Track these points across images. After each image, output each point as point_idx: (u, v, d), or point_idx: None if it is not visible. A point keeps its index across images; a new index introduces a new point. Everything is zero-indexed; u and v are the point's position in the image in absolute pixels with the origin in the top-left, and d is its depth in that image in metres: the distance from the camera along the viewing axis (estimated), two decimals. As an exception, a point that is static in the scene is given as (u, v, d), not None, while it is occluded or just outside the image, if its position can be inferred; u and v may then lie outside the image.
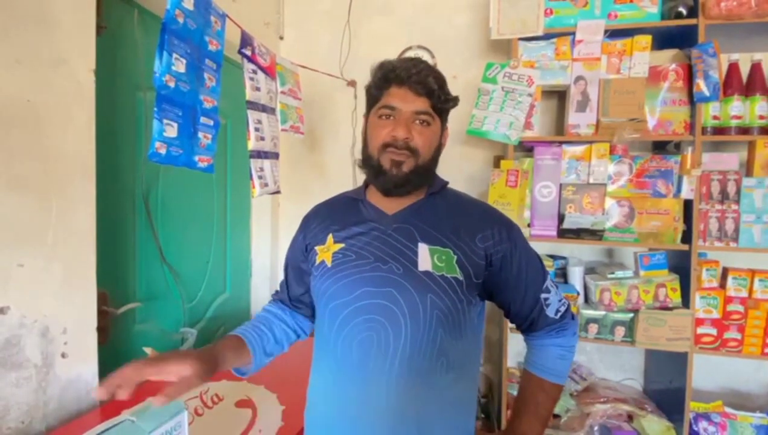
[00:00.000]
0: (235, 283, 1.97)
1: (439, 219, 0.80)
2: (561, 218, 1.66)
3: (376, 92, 0.79)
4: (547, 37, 1.67)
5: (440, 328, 0.73)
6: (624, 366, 1.92)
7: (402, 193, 0.80)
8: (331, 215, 0.86)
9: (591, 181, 1.65)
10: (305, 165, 2.22)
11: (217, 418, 1.11)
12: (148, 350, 1.26)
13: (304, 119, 1.81)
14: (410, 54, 2.01)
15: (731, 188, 1.57)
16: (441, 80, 0.79)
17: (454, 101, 0.81)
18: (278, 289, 0.97)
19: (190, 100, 1.14)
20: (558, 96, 1.91)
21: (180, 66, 1.08)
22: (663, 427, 1.60)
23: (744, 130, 1.58)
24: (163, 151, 1.05)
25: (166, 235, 1.49)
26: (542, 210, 1.68)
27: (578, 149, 1.66)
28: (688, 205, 1.60)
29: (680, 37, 1.62)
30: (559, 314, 0.84)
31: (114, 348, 1.29)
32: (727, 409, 1.62)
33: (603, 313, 1.67)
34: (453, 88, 0.81)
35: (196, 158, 1.18)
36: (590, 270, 1.82)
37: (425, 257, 0.75)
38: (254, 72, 1.45)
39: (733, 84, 1.58)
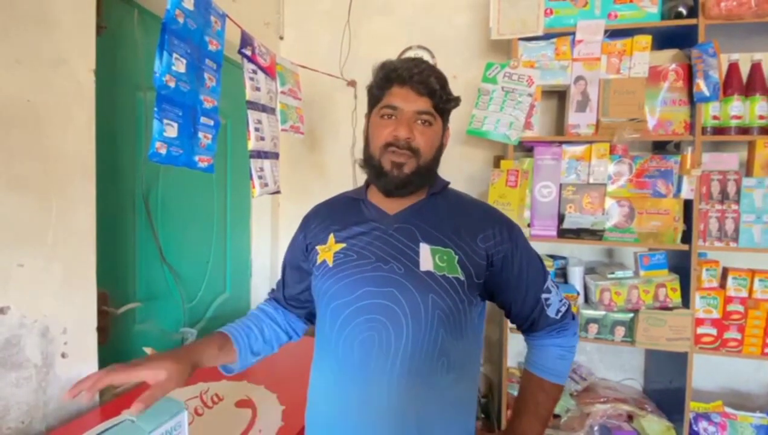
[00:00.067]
0: (235, 283, 1.97)
1: (441, 219, 0.80)
2: (561, 218, 1.66)
3: (377, 92, 0.79)
4: (547, 37, 1.67)
5: (441, 329, 0.73)
6: (624, 366, 1.92)
7: (403, 194, 0.80)
8: (332, 215, 0.86)
9: (591, 181, 1.65)
10: (305, 165, 2.22)
11: (217, 418, 1.11)
12: (148, 350, 1.26)
13: (304, 119, 1.81)
14: (410, 54, 2.01)
15: (731, 188, 1.57)
16: (443, 80, 0.79)
17: (456, 101, 0.81)
18: (274, 287, 0.97)
19: (190, 100, 1.14)
20: (558, 96, 1.91)
21: (180, 66, 1.08)
22: (663, 427, 1.60)
23: (744, 130, 1.58)
24: (163, 151, 1.05)
25: (166, 235, 1.49)
26: (542, 210, 1.68)
27: (578, 149, 1.66)
28: (688, 205, 1.60)
29: (680, 37, 1.62)
30: (559, 314, 0.84)
31: (114, 348, 1.29)
32: (727, 409, 1.61)
33: (603, 313, 1.67)
34: (453, 88, 0.81)
35: (196, 158, 1.18)
36: (590, 270, 1.82)
37: (427, 257, 0.75)
38: (254, 72, 1.45)
39: (733, 84, 1.58)
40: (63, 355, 1.03)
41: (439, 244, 0.76)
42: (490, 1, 1.70)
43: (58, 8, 1.00)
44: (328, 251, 0.81)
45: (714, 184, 1.59)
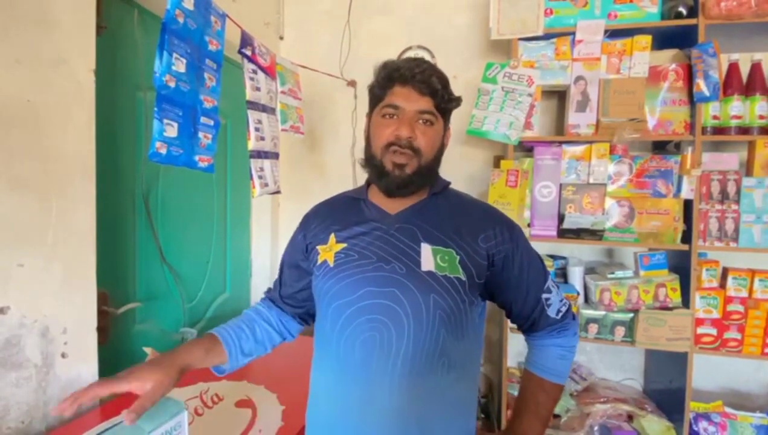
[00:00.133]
0: (235, 283, 1.97)
1: (442, 219, 0.80)
2: (561, 218, 1.66)
3: (379, 91, 0.79)
4: (547, 37, 1.67)
5: (443, 328, 0.73)
6: (624, 366, 1.92)
7: (405, 194, 0.80)
8: (332, 215, 0.86)
9: (591, 181, 1.65)
10: (305, 165, 2.22)
11: (217, 418, 1.11)
12: (148, 350, 1.26)
13: (304, 119, 1.81)
14: (410, 54, 2.01)
15: (731, 188, 1.58)
16: (444, 80, 0.79)
17: (457, 101, 0.81)
18: (271, 287, 0.97)
19: (190, 100, 1.14)
20: (558, 96, 1.91)
21: (180, 66, 1.08)
22: (663, 427, 1.60)
23: (744, 130, 1.59)
24: (163, 151, 1.05)
25: (166, 235, 1.49)
26: (542, 210, 1.68)
27: (578, 149, 1.66)
28: (688, 205, 1.60)
29: (680, 37, 1.62)
30: (560, 314, 0.84)
31: (114, 348, 1.29)
32: (727, 409, 1.62)
33: (603, 313, 1.67)
34: (453, 88, 0.81)
35: (197, 158, 1.18)
36: (590, 270, 1.82)
37: (428, 257, 0.75)
38: (254, 72, 1.45)
39: (733, 84, 1.58)
40: (63, 355, 1.03)
41: (440, 244, 0.76)
42: (490, 1, 1.70)
43: (58, 8, 1.00)
44: (329, 251, 0.81)
45: (714, 184, 1.59)
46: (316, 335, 0.84)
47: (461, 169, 2.00)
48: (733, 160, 1.62)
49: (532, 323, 0.84)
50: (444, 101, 0.78)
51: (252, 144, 1.43)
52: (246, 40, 1.41)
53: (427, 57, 1.99)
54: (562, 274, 1.83)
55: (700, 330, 1.61)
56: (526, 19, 1.66)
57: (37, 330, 0.97)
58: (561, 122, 1.87)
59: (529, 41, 1.69)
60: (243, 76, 1.41)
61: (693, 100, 1.57)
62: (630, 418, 1.68)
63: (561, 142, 1.69)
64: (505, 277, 0.80)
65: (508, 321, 0.91)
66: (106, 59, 1.18)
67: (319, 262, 0.81)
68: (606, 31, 1.62)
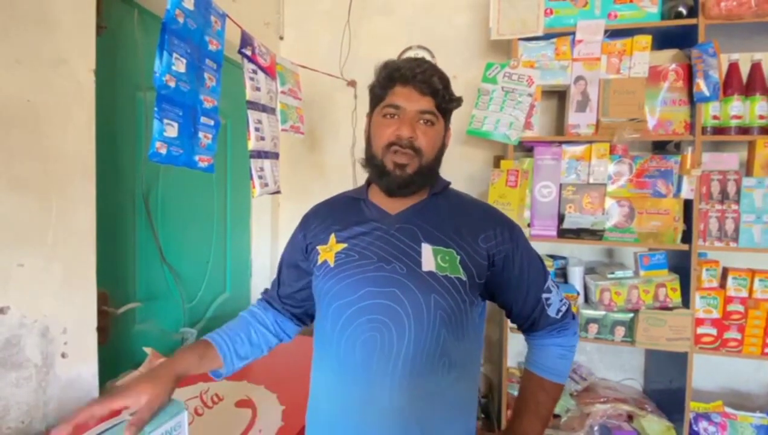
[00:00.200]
0: (235, 283, 1.97)
1: (442, 219, 0.80)
2: (561, 218, 1.66)
3: (380, 91, 0.79)
4: (547, 37, 1.67)
5: (443, 329, 0.73)
6: (624, 366, 1.92)
7: (406, 194, 0.80)
8: (332, 215, 0.86)
9: (591, 181, 1.65)
10: (305, 165, 2.22)
11: (217, 418, 1.11)
12: (148, 350, 1.27)
13: (304, 119, 1.81)
14: (410, 54, 2.01)
15: (731, 188, 1.58)
16: (445, 80, 0.79)
17: (458, 102, 0.81)
18: (268, 287, 0.97)
19: (190, 99, 1.14)
20: (558, 96, 1.91)
21: (180, 66, 1.08)
22: (663, 427, 1.60)
23: (744, 130, 1.59)
24: (163, 151, 1.05)
25: (166, 235, 1.49)
26: (542, 210, 1.68)
27: (578, 149, 1.66)
28: (688, 205, 1.60)
29: (680, 37, 1.62)
30: (560, 314, 0.84)
31: (114, 348, 1.29)
32: (727, 409, 1.62)
33: (603, 313, 1.67)
34: (453, 88, 0.81)
35: (197, 158, 1.18)
36: (590, 270, 1.82)
37: (429, 257, 0.75)
38: (254, 72, 1.45)
39: (733, 84, 1.58)
40: (63, 355, 1.03)
41: (440, 245, 0.76)
42: (490, 1, 1.70)
43: (58, 8, 0.99)
44: (329, 251, 0.81)
45: (714, 184, 1.59)
46: (316, 336, 0.84)
47: (461, 169, 2.00)
48: (733, 160, 1.62)
49: (532, 323, 0.84)
50: (445, 101, 0.78)
51: (252, 144, 1.43)
52: (246, 40, 1.41)
53: (427, 57, 1.99)
54: (562, 274, 1.83)
55: (700, 330, 1.61)
56: (526, 19, 1.66)
57: (37, 330, 0.97)
58: (561, 122, 1.87)
59: (529, 41, 1.69)
60: (243, 76, 1.41)
61: (693, 100, 1.57)
62: (630, 418, 1.68)
63: (561, 142, 1.69)
64: (505, 277, 0.80)
65: (508, 321, 0.91)
66: (106, 59, 1.18)
67: (320, 262, 0.81)
68: (606, 31, 1.62)
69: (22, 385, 0.94)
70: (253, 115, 1.42)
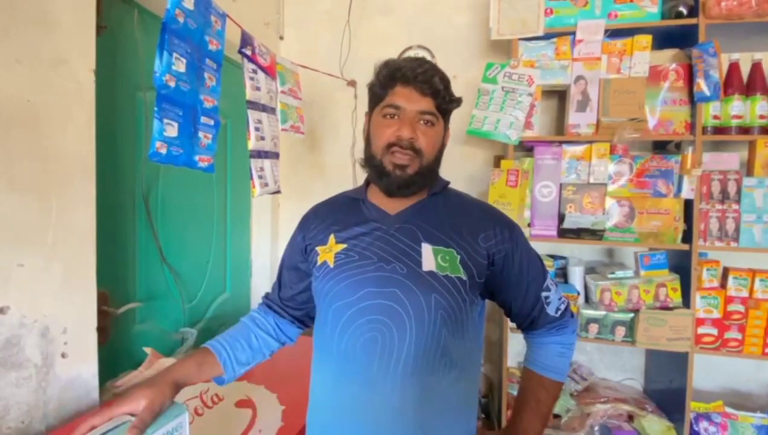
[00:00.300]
0: (235, 283, 1.97)
1: (442, 219, 0.80)
2: (561, 218, 1.66)
3: (380, 91, 0.79)
4: (547, 36, 1.67)
5: (444, 328, 0.73)
6: (624, 366, 1.92)
7: (406, 194, 0.80)
8: (332, 215, 0.86)
9: (591, 180, 1.65)
10: (305, 165, 2.22)
11: (217, 418, 1.11)
12: (148, 350, 1.27)
13: (304, 119, 1.81)
14: (410, 54, 2.01)
15: (732, 188, 1.57)
16: (446, 81, 0.79)
17: (458, 102, 0.81)
18: (269, 291, 0.96)
19: (190, 99, 1.14)
20: (558, 96, 1.90)
21: (180, 66, 1.08)
22: (663, 427, 1.60)
23: (744, 130, 1.58)
24: (163, 151, 1.05)
25: (166, 235, 1.49)
26: (542, 210, 1.68)
27: (578, 149, 1.66)
28: (688, 204, 1.60)
29: (680, 36, 1.62)
30: (559, 312, 0.84)
31: (114, 348, 1.29)
32: (728, 409, 1.61)
33: (603, 313, 1.66)
34: (453, 88, 0.81)
35: (197, 158, 1.18)
36: (590, 270, 1.82)
37: (429, 257, 0.75)
38: (254, 72, 1.45)
39: (733, 83, 1.58)
40: (63, 355, 1.03)
41: (441, 244, 0.76)
42: (490, 1, 1.70)
43: (58, 8, 1.00)
44: (328, 252, 0.80)
45: (714, 184, 1.59)
46: (316, 337, 0.83)
47: (461, 169, 2.00)
48: (733, 160, 1.62)
49: (531, 321, 0.84)
50: (445, 102, 0.78)
51: (252, 144, 1.42)
52: (246, 40, 1.41)
53: (427, 57, 1.99)
54: (563, 274, 1.82)
55: (700, 330, 1.60)
56: (526, 19, 1.66)
57: (37, 330, 0.97)
58: (561, 122, 1.87)
59: (530, 41, 1.69)
60: (243, 76, 1.41)
61: (693, 99, 1.57)
62: (630, 418, 1.68)
63: (561, 142, 1.69)
64: (505, 276, 0.80)
65: (508, 321, 0.91)
66: (106, 59, 1.18)
67: (319, 262, 0.81)
68: (606, 31, 1.62)
69: (22, 385, 0.94)
70: (253, 115, 1.42)
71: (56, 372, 1.01)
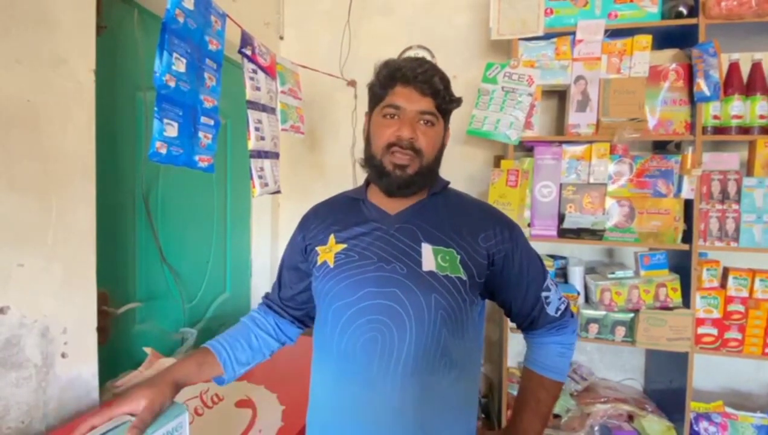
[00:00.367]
0: (235, 283, 1.97)
1: (442, 219, 0.80)
2: (561, 218, 1.66)
3: (380, 91, 0.79)
4: (547, 36, 1.67)
5: (444, 328, 0.73)
6: (624, 366, 1.92)
7: (406, 194, 0.80)
8: (332, 215, 0.86)
9: (591, 180, 1.65)
10: (305, 165, 2.22)
11: (217, 418, 1.11)
12: (148, 350, 1.27)
13: (304, 119, 1.81)
14: (410, 54, 2.01)
15: (732, 188, 1.57)
16: (446, 81, 0.79)
17: (458, 102, 0.81)
18: (269, 291, 0.96)
19: (190, 99, 1.14)
20: (558, 96, 1.90)
21: (180, 66, 1.08)
22: (663, 427, 1.60)
23: (744, 130, 1.58)
24: (163, 151, 1.05)
25: (166, 235, 1.49)
26: (542, 210, 1.68)
27: (578, 149, 1.66)
28: (688, 204, 1.60)
29: (680, 36, 1.62)
30: (559, 312, 0.84)
31: (114, 348, 1.29)
32: (728, 409, 1.61)
33: (603, 313, 1.66)
34: (453, 88, 0.81)
35: (197, 158, 1.18)
36: (590, 270, 1.82)
37: (429, 257, 0.75)
38: (254, 72, 1.45)
39: (733, 83, 1.58)
40: (63, 355, 1.03)
41: (441, 244, 0.76)
42: (490, 1, 1.70)
43: (58, 8, 1.00)
44: (328, 252, 0.80)
45: (714, 184, 1.59)
46: (316, 337, 0.83)
47: (461, 169, 2.00)
48: (733, 160, 1.62)
49: (531, 321, 0.84)
50: (445, 102, 0.78)
51: (252, 144, 1.42)
52: (246, 40, 1.41)
53: (427, 57, 1.99)
54: (563, 274, 1.82)
55: (700, 330, 1.60)
56: (526, 19, 1.66)
57: (37, 330, 0.97)
58: (561, 122, 1.87)
59: (530, 41, 1.69)
60: (243, 76, 1.41)
61: (693, 99, 1.57)
62: (630, 418, 1.68)
63: (561, 142, 1.69)
64: (505, 276, 0.80)
65: (508, 321, 0.91)
66: (106, 59, 1.18)
67: (319, 263, 0.81)
68: (606, 31, 1.62)
69: (22, 385, 0.94)
70: (253, 115, 1.42)
71: (56, 372, 1.01)
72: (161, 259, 1.46)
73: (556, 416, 1.69)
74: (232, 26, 1.34)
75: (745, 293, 1.59)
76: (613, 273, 1.68)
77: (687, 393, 1.55)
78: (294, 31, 2.21)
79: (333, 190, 0.97)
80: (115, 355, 1.29)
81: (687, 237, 1.60)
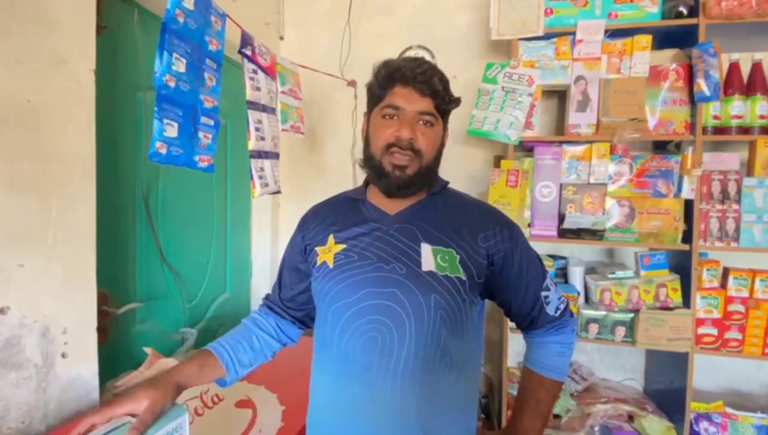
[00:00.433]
0: (235, 283, 1.97)
1: (441, 219, 0.80)
2: (561, 218, 1.66)
3: (379, 91, 0.79)
4: (547, 36, 1.67)
5: (444, 328, 0.73)
6: (624, 366, 1.92)
7: (405, 195, 0.80)
8: (331, 215, 0.86)
9: (591, 181, 1.65)
10: (305, 165, 2.22)
11: (217, 418, 1.11)
12: (148, 350, 1.27)
13: (304, 119, 1.81)
14: (410, 54, 2.01)
15: (732, 188, 1.57)
16: (445, 81, 0.79)
17: (457, 102, 0.81)
18: (270, 292, 0.96)
19: (190, 99, 1.14)
20: (558, 96, 1.90)
21: (180, 66, 1.08)
22: (664, 428, 1.60)
23: (745, 130, 1.58)
24: (163, 151, 1.05)
25: (166, 235, 1.49)
26: (542, 210, 1.68)
27: (578, 149, 1.66)
28: (688, 204, 1.60)
29: (681, 36, 1.62)
30: (558, 312, 0.84)
31: (114, 348, 1.29)
32: (728, 410, 1.61)
33: (603, 313, 1.66)
34: (453, 88, 0.81)
35: (197, 158, 1.18)
36: (591, 270, 1.82)
37: (428, 257, 0.75)
38: (254, 72, 1.45)
39: (733, 84, 1.58)
40: (63, 355, 1.03)
41: (440, 244, 0.76)
42: (490, 1, 1.70)
43: (58, 8, 1.00)
44: (328, 253, 0.80)
45: (715, 184, 1.58)
46: (316, 337, 0.83)
47: (461, 169, 2.00)
48: (733, 160, 1.62)
49: (531, 321, 0.84)
50: (444, 102, 0.78)
51: (252, 144, 1.42)
52: (246, 40, 1.41)
53: (427, 57, 1.99)
54: (563, 274, 1.82)
55: (700, 330, 1.60)
56: (526, 19, 1.66)
57: (37, 330, 0.97)
58: (561, 122, 1.87)
59: (530, 41, 1.69)
60: (243, 76, 1.41)
61: (693, 99, 1.57)
62: (630, 418, 1.68)
63: (561, 142, 1.69)
64: (504, 276, 0.80)
65: (508, 321, 0.91)
66: (106, 59, 1.18)
67: (318, 263, 0.81)
68: (606, 31, 1.62)
69: (22, 385, 0.94)
70: (253, 115, 1.42)
71: (56, 372, 1.01)
72: (161, 259, 1.46)
73: (556, 416, 1.69)
74: (232, 26, 1.34)
75: (745, 293, 1.59)
76: (613, 273, 1.68)
77: (687, 393, 1.55)
78: (294, 32, 2.21)
79: (333, 190, 0.97)
80: (115, 355, 1.29)
81: (687, 237, 1.60)
